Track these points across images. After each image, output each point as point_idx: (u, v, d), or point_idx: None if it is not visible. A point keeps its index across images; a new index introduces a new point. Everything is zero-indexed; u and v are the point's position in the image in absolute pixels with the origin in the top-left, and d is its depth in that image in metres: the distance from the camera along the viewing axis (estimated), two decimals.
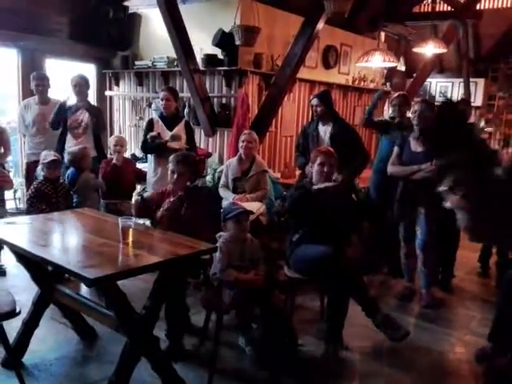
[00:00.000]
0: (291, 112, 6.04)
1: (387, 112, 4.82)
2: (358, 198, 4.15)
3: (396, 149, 3.74)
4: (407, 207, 3.67)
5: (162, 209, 2.87)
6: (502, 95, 9.37)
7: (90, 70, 6.31)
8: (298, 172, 5.48)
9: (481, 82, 9.44)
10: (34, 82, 4.76)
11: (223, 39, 4.99)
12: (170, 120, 4.30)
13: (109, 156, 4.74)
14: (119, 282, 2.14)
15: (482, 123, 9.58)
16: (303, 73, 5.87)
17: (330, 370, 2.81)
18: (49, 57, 5.78)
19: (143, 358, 2.34)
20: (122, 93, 6.33)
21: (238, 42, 4.69)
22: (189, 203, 2.99)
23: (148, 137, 4.19)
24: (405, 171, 3.63)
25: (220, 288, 2.74)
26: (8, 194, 4.80)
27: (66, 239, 2.70)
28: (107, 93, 6.43)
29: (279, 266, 3.38)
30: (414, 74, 8.41)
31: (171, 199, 2.91)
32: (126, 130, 6.39)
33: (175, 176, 3.03)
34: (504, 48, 8.81)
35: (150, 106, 6.00)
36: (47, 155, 3.92)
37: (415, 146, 3.65)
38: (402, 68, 9.67)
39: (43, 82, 4.76)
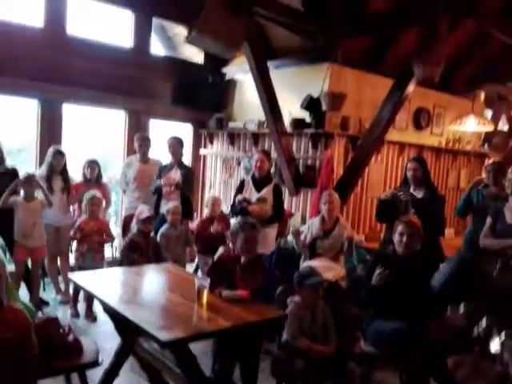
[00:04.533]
0: (378, 173, 5.94)
1: (484, 177, 4.55)
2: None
3: (489, 219, 3.51)
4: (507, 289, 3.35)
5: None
6: None
7: (187, 130, 6.82)
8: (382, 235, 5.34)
9: None
10: (137, 142, 5.25)
11: (311, 104, 5.14)
12: (260, 182, 4.45)
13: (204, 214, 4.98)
14: None
15: None
16: (392, 134, 5.81)
17: None
18: (152, 118, 6.35)
19: None
20: (215, 151, 6.70)
21: (324, 108, 4.81)
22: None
23: (236, 200, 4.34)
24: (499, 245, 3.37)
25: (291, 356, 2.69)
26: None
27: (145, 296, 2.85)
28: (201, 151, 6.84)
29: (355, 338, 3.24)
30: None
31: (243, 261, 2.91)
32: (216, 187, 6.70)
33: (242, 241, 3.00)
34: None
35: (239, 164, 6.27)
36: (143, 211, 4.24)
37: (511, 218, 3.40)
38: (505, 128, 9.12)
39: (145, 143, 5.24)
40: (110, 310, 2.66)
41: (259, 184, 4.45)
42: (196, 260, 5.16)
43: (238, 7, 4.26)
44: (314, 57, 5.38)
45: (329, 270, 4.14)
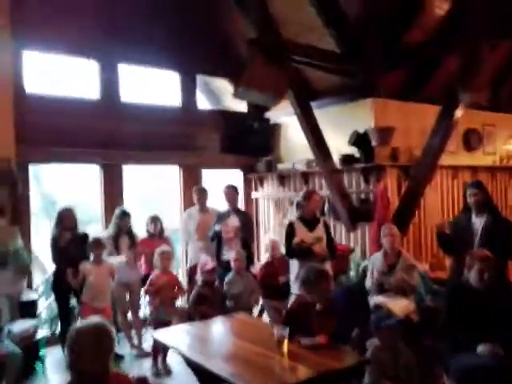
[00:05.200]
0: (434, 200, 5.86)
1: None
2: None
3: None
4: None
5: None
6: None
7: (237, 175, 7.03)
8: (447, 262, 5.22)
9: None
10: (195, 194, 5.49)
11: (358, 139, 5.22)
12: (309, 221, 4.49)
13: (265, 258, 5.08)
14: None
15: None
16: (444, 159, 5.72)
17: None
18: (204, 168, 6.61)
19: None
20: (266, 194, 6.85)
21: (374, 143, 4.87)
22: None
23: (293, 244, 4.37)
24: None
25: None
26: None
27: (223, 347, 2.93)
28: (253, 194, 7.01)
29: (437, 376, 3.17)
30: None
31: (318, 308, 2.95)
32: (271, 229, 6.80)
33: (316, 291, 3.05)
34: None
35: (291, 204, 6.37)
36: (206, 262, 4.39)
37: None
38: None
39: (203, 194, 5.47)
40: (194, 365, 2.76)
41: (310, 224, 4.48)
42: (260, 303, 5.21)
43: (277, 58, 4.48)
44: (355, 94, 5.49)
45: (397, 305, 4.10)
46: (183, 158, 6.32)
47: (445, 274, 5.00)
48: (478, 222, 3.98)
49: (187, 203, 6.19)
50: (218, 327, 3.17)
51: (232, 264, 4.65)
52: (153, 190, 7.60)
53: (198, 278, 4.45)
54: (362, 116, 5.35)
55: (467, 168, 6.16)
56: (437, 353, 3.38)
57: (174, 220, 6.55)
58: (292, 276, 4.47)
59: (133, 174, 6.32)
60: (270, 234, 6.75)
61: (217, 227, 5.17)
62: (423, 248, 5.79)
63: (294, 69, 5.04)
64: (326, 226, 4.51)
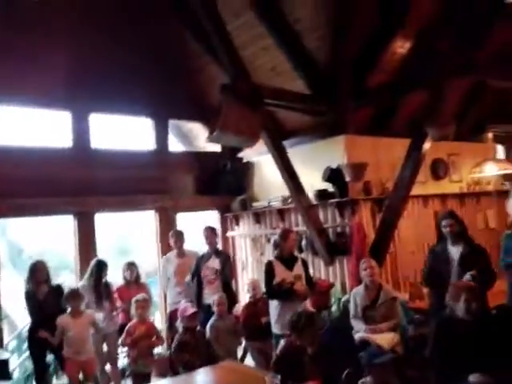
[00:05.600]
0: (408, 229, 5.99)
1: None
2: None
3: None
4: None
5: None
6: None
7: (213, 216, 7.03)
8: (425, 290, 5.31)
9: None
10: (172, 239, 5.44)
11: (332, 175, 5.34)
12: (288, 260, 4.48)
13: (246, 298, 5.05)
14: None
15: None
16: (414, 189, 5.90)
17: None
18: (180, 211, 6.58)
19: None
20: (242, 232, 6.85)
21: (347, 179, 4.99)
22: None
23: (274, 285, 4.33)
24: None
25: None
26: None
27: None
28: (229, 234, 7.00)
29: None
30: None
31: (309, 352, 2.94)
32: (249, 266, 6.77)
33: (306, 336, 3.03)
34: None
35: (268, 241, 6.39)
36: (186, 308, 4.31)
37: None
38: None
39: (179, 238, 5.42)
40: None
41: (288, 262, 4.47)
42: (243, 345, 5.11)
43: (251, 102, 4.59)
44: (326, 132, 5.66)
45: (383, 339, 4.13)
46: (158, 202, 6.28)
47: (424, 303, 5.08)
48: (455, 251, 4.09)
49: (164, 247, 6.12)
50: (206, 379, 3.09)
51: (214, 308, 4.59)
52: (127, 235, 7.50)
53: (179, 324, 4.35)
54: (334, 152, 5.50)
55: (436, 196, 6.36)
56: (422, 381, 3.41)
57: (151, 264, 6.47)
58: (272, 316, 4.44)
59: (106, 221, 6.24)
60: (248, 271, 6.73)
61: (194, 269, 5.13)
62: (400, 277, 5.87)
63: (266, 111, 5.16)
64: (304, 264, 4.54)
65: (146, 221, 6.54)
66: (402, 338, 4.30)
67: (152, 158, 6.33)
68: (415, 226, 6.14)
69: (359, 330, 4.28)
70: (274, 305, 4.37)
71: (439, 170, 6.49)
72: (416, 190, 6.01)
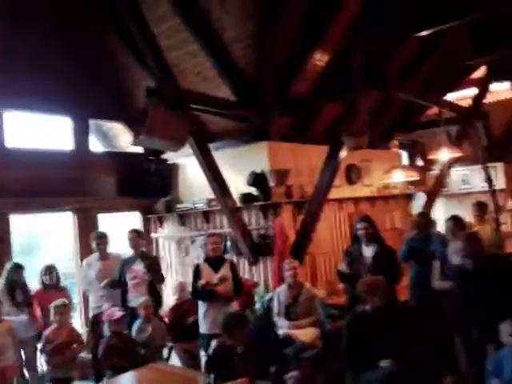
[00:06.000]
0: (324, 230, 6.40)
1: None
2: None
3: (437, 263, 4.00)
4: None
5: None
6: None
7: (135, 217, 6.94)
8: (340, 286, 5.74)
9: (500, 166, 9.77)
10: (94, 241, 5.30)
11: (256, 179, 5.56)
12: (215, 263, 4.63)
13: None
14: None
15: (510, 204, 9.77)
16: (330, 193, 6.33)
17: None
18: (101, 213, 6.42)
19: None
20: (166, 234, 6.86)
21: (271, 184, 5.24)
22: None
23: (198, 286, 4.46)
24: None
25: None
26: None
27: None
28: (153, 235, 6.97)
29: None
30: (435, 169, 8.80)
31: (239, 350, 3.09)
32: (173, 267, 6.80)
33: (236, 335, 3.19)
34: None
35: (193, 242, 6.47)
36: (113, 313, 4.29)
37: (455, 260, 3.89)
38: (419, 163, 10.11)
39: (102, 241, 5.30)
40: None
41: (215, 264, 4.63)
42: (168, 346, 5.14)
43: (178, 107, 4.66)
44: (250, 137, 5.86)
45: (304, 334, 4.42)
46: (78, 203, 6.09)
47: (340, 299, 5.49)
48: (369, 252, 4.49)
49: (84, 249, 5.96)
50: (139, 380, 3.13)
51: (140, 311, 4.59)
52: (41, 237, 7.17)
53: (106, 329, 4.31)
54: (257, 157, 5.72)
55: (350, 199, 6.85)
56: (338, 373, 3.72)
57: (68, 268, 6.26)
58: (200, 315, 4.56)
59: (20, 223, 5.94)
60: (172, 273, 6.75)
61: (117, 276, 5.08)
62: (318, 275, 6.25)
63: (192, 115, 5.24)
64: (232, 266, 4.70)
65: (63, 221, 6.30)
66: (321, 332, 4.63)
67: (71, 159, 6.12)
68: (331, 227, 6.57)
69: (282, 327, 4.53)
70: (201, 306, 4.48)
71: (353, 174, 6.98)
72: (332, 194, 6.43)
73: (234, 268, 4.69)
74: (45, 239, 7.79)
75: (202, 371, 2.96)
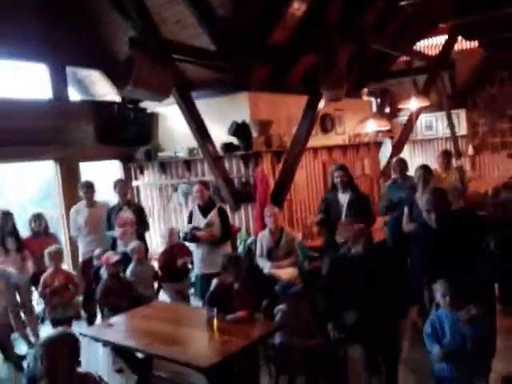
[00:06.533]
0: (302, 178, 6.74)
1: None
2: None
3: (406, 209, 4.41)
4: None
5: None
6: (484, 122, 10.23)
7: (115, 166, 7.05)
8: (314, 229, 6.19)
9: (462, 112, 10.28)
10: (82, 190, 5.45)
11: (237, 129, 5.75)
12: (204, 208, 4.95)
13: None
14: None
15: (470, 149, 10.40)
16: None
17: None
18: (81, 161, 6.49)
19: None
20: (148, 182, 7.03)
21: (254, 134, 5.45)
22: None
23: (187, 229, 4.81)
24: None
25: (289, 352, 3.28)
26: None
27: (163, 333, 3.21)
28: (134, 183, 7.12)
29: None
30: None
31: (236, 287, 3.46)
32: (155, 214, 7.04)
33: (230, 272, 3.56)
34: (477, 80, 9.80)
35: (175, 190, 6.69)
36: (110, 256, 4.55)
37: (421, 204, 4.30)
38: (387, 110, 10.46)
39: (90, 189, 5.46)
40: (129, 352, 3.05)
41: (205, 210, 4.96)
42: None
43: (161, 57, 4.72)
44: (230, 88, 5.97)
45: (285, 274, 4.84)
46: (58, 152, 6.13)
47: (315, 242, 5.95)
48: (344, 198, 4.87)
49: (68, 198, 6.10)
50: (144, 317, 3.45)
51: (133, 256, 4.86)
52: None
53: (103, 272, 4.58)
54: (238, 108, 5.88)
55: (324, 148, 7.17)
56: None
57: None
58: (196, 257, 4.95)
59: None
60: (154, 220, 7.00)
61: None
62: (295, 219, 6.67)
63: (175, 66, 5.29)
64: (221, 212, 4.99)
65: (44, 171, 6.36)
66: (300, 272, 5.06)
67: (50, 107, 6.07)
68: (307, 175, 6.92)
69: (265, 267, 4.94)
70: (194, 248, 4.87)
71: (327, 124, 7.26)
72: (308, 143, 6.73)
73: (222, 213, 4.98)
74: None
75: (205, 306, 3.30)
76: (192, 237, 4.87)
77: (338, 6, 5.72)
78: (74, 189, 6.04)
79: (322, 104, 5.62)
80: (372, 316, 3.27)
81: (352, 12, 5.88)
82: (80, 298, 5.23)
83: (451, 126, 9.89)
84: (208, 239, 4.84)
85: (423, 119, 10.47)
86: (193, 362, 2.56)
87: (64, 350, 2.17)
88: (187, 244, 5.18)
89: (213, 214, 4.95)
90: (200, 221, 4.91)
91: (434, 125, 10.76)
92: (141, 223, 5.30)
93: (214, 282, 3.52)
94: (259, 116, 5.92)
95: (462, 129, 10.29)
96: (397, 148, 8.46)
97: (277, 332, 3.34)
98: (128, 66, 4.55)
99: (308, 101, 5.64)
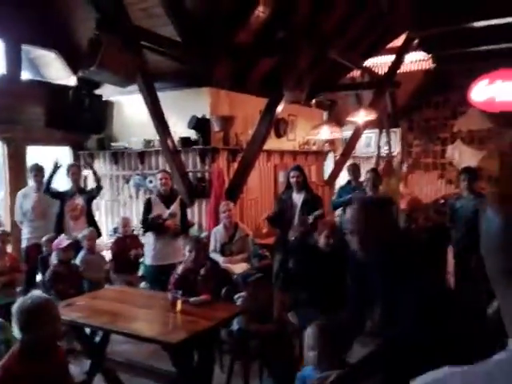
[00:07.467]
0: (255, 178, 6.88)
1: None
2: None
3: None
4: None
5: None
6: (419, 142, 10.96)
7: (65, 153, 6.81)
8: (264, 230, 6.34)
9: (398, 131, 10.94)
10: (31, 173, 5.24)
11: (198, 123, 5.79)
12: (166, 198, 4.93)
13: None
14: None
15: (404, 167, 11.09)
16: None
17: None
18: (29, 144, 6.23)
19: None
20: (99, 171, 6.82)
21: (216, 129, 5.51)
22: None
23: (149, 218, 4.75)
24: None
25: (246, 338, 3.37)
26: None
27: (124, 313, 3.18)
28: (85, 172, 6.89)
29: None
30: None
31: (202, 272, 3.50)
32: (103, 206, 6.86)
33: (194, 254, 3.60)
34: (415, 102, 10.49)
35: (127, 182, 6.58)
36: (61, 241, 4.41)
37: None
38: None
39: (40, 173, 5.26)
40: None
41: (167, 200, 4.94)
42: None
43: (129, 43, 4.69)
44: (192, 81, 6.00)
45: (237, 268, 4.94)
46: (6, 132, 5.85)
47: (265, 241, 6.09)
48: (298, 198, 5.06)
49: (13, 180, 5.83)
50: (106, 299, 3.40)
51: (83, 243, 4.74)
52: None
53: (53, 257, 4.43)
54: (198, 102, 5.93)
55: (277, 152, 7.38)
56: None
57: None
58: (146, 248, 4.87)
59: None
60: (101, 211, 6.83)
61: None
62: (245, 217, 6.77)
63: (142, 53, 5.25)
64: (182, 204, 5.00)
65: None
66: (252, 268, 5.18)
67: (1, 85, 5.79)
68: (259, 176, 7.08)
69: (218, 261, 5.00)
70: (148, 239, 4.77)
71: (281, 128, 7.46)
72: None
73: (183, 206, 5.00)
74: None
75: (169, 288, 3.31)
76: (157, 225, 4.77)
77: (303, 10, 5.93)
78: (20, 171, 5.79)
79: (281, 106, 5.80)
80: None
81: (316, 17, 6.12)
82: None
83: (389, 144, 10.51)
84: (175, 230, 4.82)
85: (363, 136, 10.99)
86: (160, 338, 2.58)
87: (42, 307, 2.13)
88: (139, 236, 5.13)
89: (176, 205, 4.94)
90: (160, 210, 4.85)
91: (372, 142, 11.34)
92: (89, 209, 5.19)
93: (181, 266, 3.54)
94: (219, 112, 6.00)
95: (397, 146, 10.96)
96: (341, 160, 8.79)
97: (238, 316, 3.43)
98: (93, 47, 4.48)
99: (268, 103, 5.80)
